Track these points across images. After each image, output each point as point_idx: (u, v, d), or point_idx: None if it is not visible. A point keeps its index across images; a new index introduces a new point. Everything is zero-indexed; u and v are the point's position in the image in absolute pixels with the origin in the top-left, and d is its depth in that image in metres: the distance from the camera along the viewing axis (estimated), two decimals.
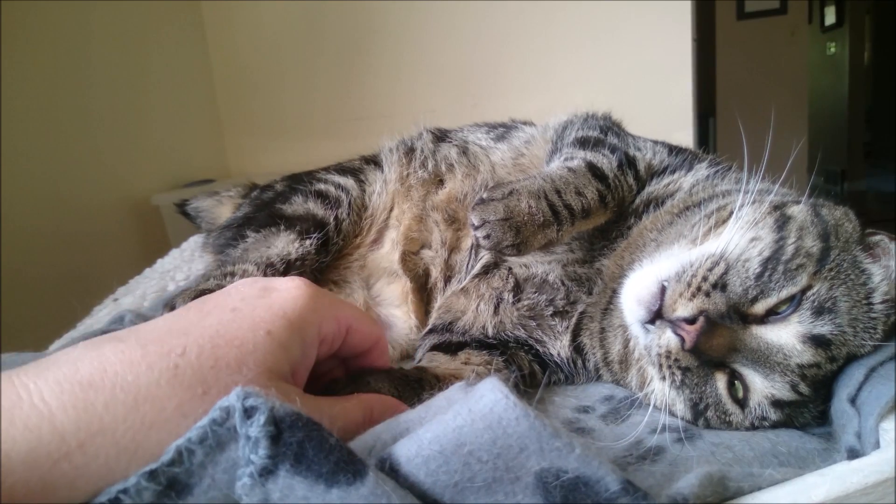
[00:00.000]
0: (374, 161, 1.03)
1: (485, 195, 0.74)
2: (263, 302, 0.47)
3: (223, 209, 1.19)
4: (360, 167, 1.01)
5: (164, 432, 0.38)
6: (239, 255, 0.85)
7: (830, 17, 5.86)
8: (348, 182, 0.96)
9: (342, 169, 1.01)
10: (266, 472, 0.35)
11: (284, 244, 0.85)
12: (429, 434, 0.40)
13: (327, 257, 0.89)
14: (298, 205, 0.92)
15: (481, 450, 0.38)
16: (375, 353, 0.59)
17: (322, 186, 0.94)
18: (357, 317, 0.54)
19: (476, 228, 0.72)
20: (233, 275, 0.80)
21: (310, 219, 0.89)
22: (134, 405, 0.38)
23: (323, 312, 0.49)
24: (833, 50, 6.00)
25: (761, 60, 4.48)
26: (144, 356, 0.40)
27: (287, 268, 0.84)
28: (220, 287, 0.75)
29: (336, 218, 0.90)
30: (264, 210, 0.94)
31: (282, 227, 0.87)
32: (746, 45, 4.48)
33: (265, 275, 0.81)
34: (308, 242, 0.85)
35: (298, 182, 0.99)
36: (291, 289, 0.49)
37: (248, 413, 0.36)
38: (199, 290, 0.76)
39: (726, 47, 4.45)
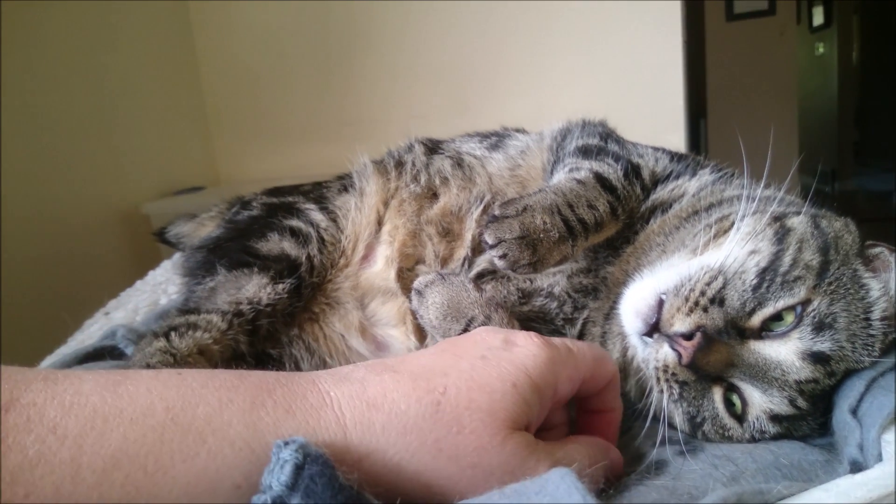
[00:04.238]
0: (343, 186, 0.99)
1: (497, 212, 0.71)
2: (507, 355, 0.49)
3: (206, 230, 1.12)
4: (331, 196, 0.97)
5: (422, 463, 0.42)
6: (206, 296, 0.82)
7: (819, 17, 5.89)
8: (318, 216, 0.93)
9: (318, 198, 0.98)
10: (280, 501, 0.37)
11: (256, 289, 0.81)
12: None
13: (300, 301, 0.86)
14: (274, 243, 0.87)
15: None
16: (607, 394, 0.57)
17: (294, 223, 0.91)
18: (593, 364, 0.54)
19: (491, 248, 0.69)
20: (195, 327, 0.76)
21: (283, 259, 0.85)
22: (403, 432, 0.43)
23: (560, 374, 0.51)
24: (822, 50, 6.03)
25: (751, 61, 4.50)
26: (415, 389, 0.45)
27: (256, 315, 0.80)
28: (174, 355, 0.73)
29: (308, 256, 0.87)
30: (238, 241, 0.90)
31: (255, 270, 0.83)
32: (736, 46, 4.50)
33: (230, 325, 0.78)
34: (281, 287, 0.82)
35: (274, 213, 0.94)
36: (531, 346, 0.51)
37: (287, 443, 0.39)
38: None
39: (716, 49, 4.46)
